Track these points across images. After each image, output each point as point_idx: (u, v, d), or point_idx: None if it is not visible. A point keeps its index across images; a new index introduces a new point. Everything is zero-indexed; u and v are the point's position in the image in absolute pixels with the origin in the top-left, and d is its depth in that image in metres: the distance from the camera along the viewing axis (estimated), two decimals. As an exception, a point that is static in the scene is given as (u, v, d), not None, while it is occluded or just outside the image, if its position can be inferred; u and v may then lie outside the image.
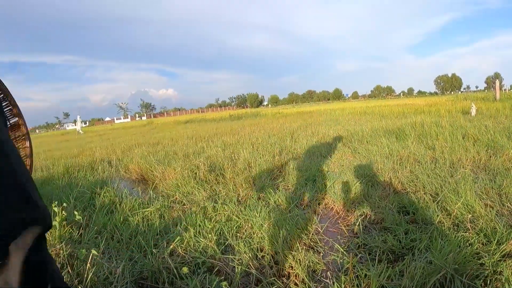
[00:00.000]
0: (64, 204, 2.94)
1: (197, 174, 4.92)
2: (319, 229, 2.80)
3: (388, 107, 17.96)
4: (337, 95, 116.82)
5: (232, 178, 4.58)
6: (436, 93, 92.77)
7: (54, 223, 2.70)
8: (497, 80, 17.78)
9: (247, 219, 2.89)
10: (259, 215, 2.91)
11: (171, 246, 2.41)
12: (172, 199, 3.93)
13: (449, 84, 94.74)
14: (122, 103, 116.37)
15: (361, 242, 2.44)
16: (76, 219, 2.66)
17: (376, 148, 5.46)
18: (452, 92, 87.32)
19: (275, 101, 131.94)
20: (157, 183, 4.83)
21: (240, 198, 3.75)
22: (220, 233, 2.74)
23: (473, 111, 9.58)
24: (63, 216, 2.87)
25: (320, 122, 12.18)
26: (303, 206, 3.41)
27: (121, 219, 3.23)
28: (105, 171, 6.23)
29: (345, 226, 2.83)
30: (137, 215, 3.30)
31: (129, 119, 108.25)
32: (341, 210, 3.19)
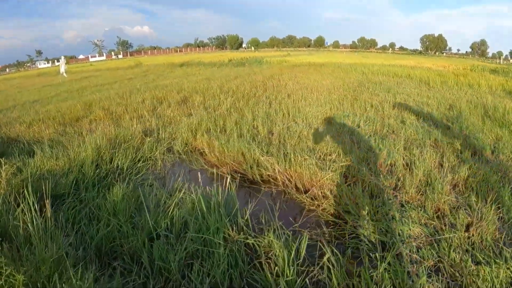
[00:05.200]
0: None
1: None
2: None
3: (408, 69, 15.06)
4: (320, 43, 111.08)
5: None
6: (420, 52, 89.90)
7: None
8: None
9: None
10: None
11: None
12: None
13: (434, 44, 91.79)
14: (97, 40, 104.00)
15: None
16: None
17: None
18: (437, 53, 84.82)
19: (255, 44, 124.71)
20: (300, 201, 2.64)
21: None
22: None
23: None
24: None
25: (362, 83, 9.78)
26: None
27: None
28: (163, 157, 3.84)
29: None
30: None
31: (104, 57, 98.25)
32: None
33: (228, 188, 2.36)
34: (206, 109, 6.25)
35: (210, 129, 4.42)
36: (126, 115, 6.06)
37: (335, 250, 1.77)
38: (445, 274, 1.90)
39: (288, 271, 1.61)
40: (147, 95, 8.30)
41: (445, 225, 2.37)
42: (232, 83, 10.04)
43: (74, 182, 2.98)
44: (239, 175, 3.20)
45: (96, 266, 1.88)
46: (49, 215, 1.83)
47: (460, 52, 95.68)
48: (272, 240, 1.79)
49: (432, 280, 1.82)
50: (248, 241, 1.90)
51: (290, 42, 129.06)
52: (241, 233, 1.96)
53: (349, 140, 3.90)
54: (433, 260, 2.00)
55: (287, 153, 3.22)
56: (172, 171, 3.47)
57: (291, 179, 2.86)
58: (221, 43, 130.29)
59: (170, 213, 2.23)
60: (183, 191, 2.46)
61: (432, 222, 2.41)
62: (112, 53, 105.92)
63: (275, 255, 1.74)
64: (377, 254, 1.83)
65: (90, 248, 2.06)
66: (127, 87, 10.95)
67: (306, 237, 1.83)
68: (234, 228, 2.01)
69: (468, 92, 8.63)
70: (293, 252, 1.69)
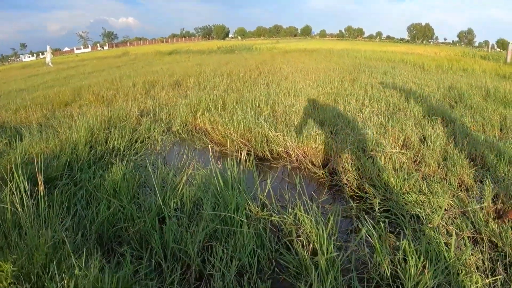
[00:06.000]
0: None
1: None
2: None
3: (400, 55, 14.85)
4: (307, 32, 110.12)
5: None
6: (407, 41, 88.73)
7: None
8: (510, 43, 14.95)
9: None
10: None
11: None
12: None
13: (421, 33, 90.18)
14: (82, 32, 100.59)
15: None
16: None
17: None
18: (424, 42, 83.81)
19: (242, 33, 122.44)
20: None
21: None
22: None
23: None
24: None
25: (357, 67, 9.50)
26: None
27: None
28: (162, 136, 3.53)
29: None
30: None
31: (89, 49, 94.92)
32: None
33: (242, 163, 2.10)
34: (202, 90, 5.92)
35: (210, 108, 4.12)
36: (118, 98, 5.69)
37: (372, 222, 1.55)
38: (485, 245, 1.73)
39: (326, 248, 1.37)
40: (138, 80, 7.87)
41: (472, 197, 2.21)
42: (225, 68, 9.67)
43: (67, 164, 2.66)
44: (250, 153, 2.94)
45: (98, 254, 1.61)
46: (41, 193, 1.53)
47: (447, 41, 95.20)
48: (302, 215, 1.55)
49: (474, 251, 1.64)
50: (273, 218, 1.66)
51: (276, 31, 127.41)
52: (265, 209, 1.72)
53: (357, 116, 3.67)
54: (470, 231, 1.83)
55: (298, 128, 2.97)
56: (174, 151, 3.18)
57: (304, 155, 2.62)
58: (207, 33, 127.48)
59: (179, 191, 1.96)
60: (191, 168, 2.18)
61: (460, 194, 2.23)
62: (98, 44, 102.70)
63: (307, 232, 1.50)
64: (416, 227, 1.62)
65: (90, 234, 1.79)
66: (117, 74, 10.41)
67: (339, 210, 1.59)
68: (255, 205, 1.76)
69: (463, 75, 8.51)
70: (329, 226, 1.46)
